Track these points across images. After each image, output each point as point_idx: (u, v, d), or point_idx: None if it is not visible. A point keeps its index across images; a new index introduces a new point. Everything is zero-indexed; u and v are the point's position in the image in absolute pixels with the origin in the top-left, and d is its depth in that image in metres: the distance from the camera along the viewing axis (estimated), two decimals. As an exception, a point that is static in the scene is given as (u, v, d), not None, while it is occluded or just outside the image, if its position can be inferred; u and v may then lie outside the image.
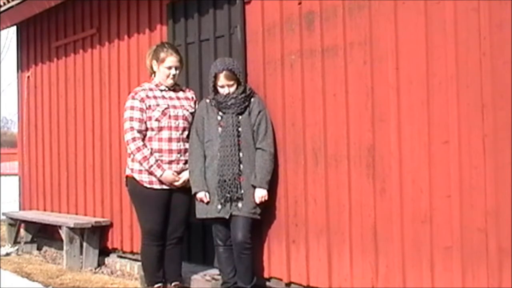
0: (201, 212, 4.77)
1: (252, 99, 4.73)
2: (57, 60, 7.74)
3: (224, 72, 4.65)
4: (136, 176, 4.87)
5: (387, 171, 4.03)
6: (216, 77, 4.68)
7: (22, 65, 8.59)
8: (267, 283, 4.88)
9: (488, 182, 3.50)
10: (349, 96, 4.28)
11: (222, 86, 4.69)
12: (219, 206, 4.65)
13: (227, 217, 4.65)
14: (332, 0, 4.39)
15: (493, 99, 3.49)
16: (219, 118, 4.73)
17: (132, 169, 4.91)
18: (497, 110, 3.47)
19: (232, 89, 4.69)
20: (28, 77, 8.36)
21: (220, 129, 4.70)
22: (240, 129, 4.69)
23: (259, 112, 4.70)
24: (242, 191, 4.63)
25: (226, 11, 5.30)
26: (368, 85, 4.15)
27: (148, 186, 4.84)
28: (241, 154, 4.67)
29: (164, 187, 4.86)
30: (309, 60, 4.55)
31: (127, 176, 4.99)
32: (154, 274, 4.91)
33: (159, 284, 4.90)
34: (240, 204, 4.64)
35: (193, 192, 4.78)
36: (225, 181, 4.62)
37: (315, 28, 4.48)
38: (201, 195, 4.72)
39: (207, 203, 4.71)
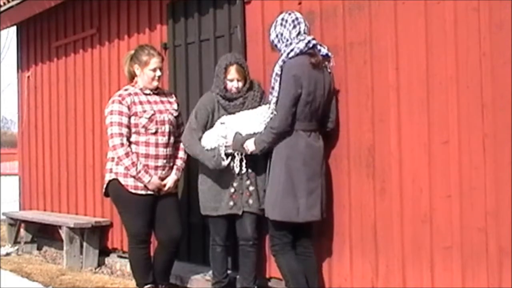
0: (209, 209, 4.68)
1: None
2: (57, 60, 7.74)
3: (235, 65, 4.58)
4: (121, 180, 4.79)
5: (387, 171, 4.03)
6: (226, 69, 4.58)
7: (22, 65, 8.58)
8: (268, 283, 4.88)
9: (488, 182, 3.51)
10: (349, 96, 4.28)
11: (232, 80, 4.59)
12: (231, 203, 4.59)
13: (240, 213, 4.60)
14: (332, 0, 4.39)
15: (493, 99, 3.49)
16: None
17: (116, 173, 4.81)
18: (497, 110, 3.47)
19: (240, 84, 4.60)
20: (28, 77, 8.36)
21: None
22: None
23: None
24: (253, 188, 4.60)
25: (226, 11, 5.30)
26: (368, 85, 4.15)
27: (133, 191, 4.78)
28: None
29: (149, 192, 4.80)
30: (309, 60, 4.55)
31: (109, 181, 4.88)
32: (144, 276, 4.87)
33: (149, 286, 4.87)
34: (250, 201, 4.59)
35: (212, 168, 4.54)
36: (243, 172, 4.56)
37: (315, 28, 4.47)
38: (224, 163, 4.50)
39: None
